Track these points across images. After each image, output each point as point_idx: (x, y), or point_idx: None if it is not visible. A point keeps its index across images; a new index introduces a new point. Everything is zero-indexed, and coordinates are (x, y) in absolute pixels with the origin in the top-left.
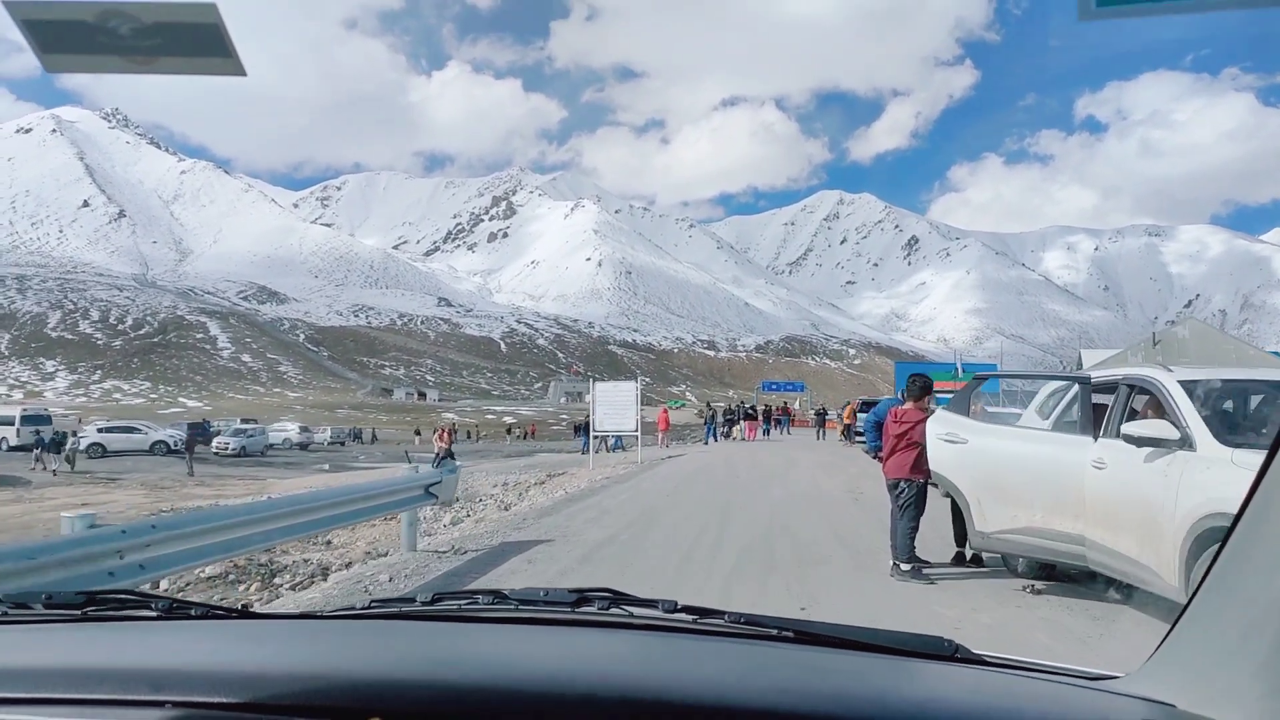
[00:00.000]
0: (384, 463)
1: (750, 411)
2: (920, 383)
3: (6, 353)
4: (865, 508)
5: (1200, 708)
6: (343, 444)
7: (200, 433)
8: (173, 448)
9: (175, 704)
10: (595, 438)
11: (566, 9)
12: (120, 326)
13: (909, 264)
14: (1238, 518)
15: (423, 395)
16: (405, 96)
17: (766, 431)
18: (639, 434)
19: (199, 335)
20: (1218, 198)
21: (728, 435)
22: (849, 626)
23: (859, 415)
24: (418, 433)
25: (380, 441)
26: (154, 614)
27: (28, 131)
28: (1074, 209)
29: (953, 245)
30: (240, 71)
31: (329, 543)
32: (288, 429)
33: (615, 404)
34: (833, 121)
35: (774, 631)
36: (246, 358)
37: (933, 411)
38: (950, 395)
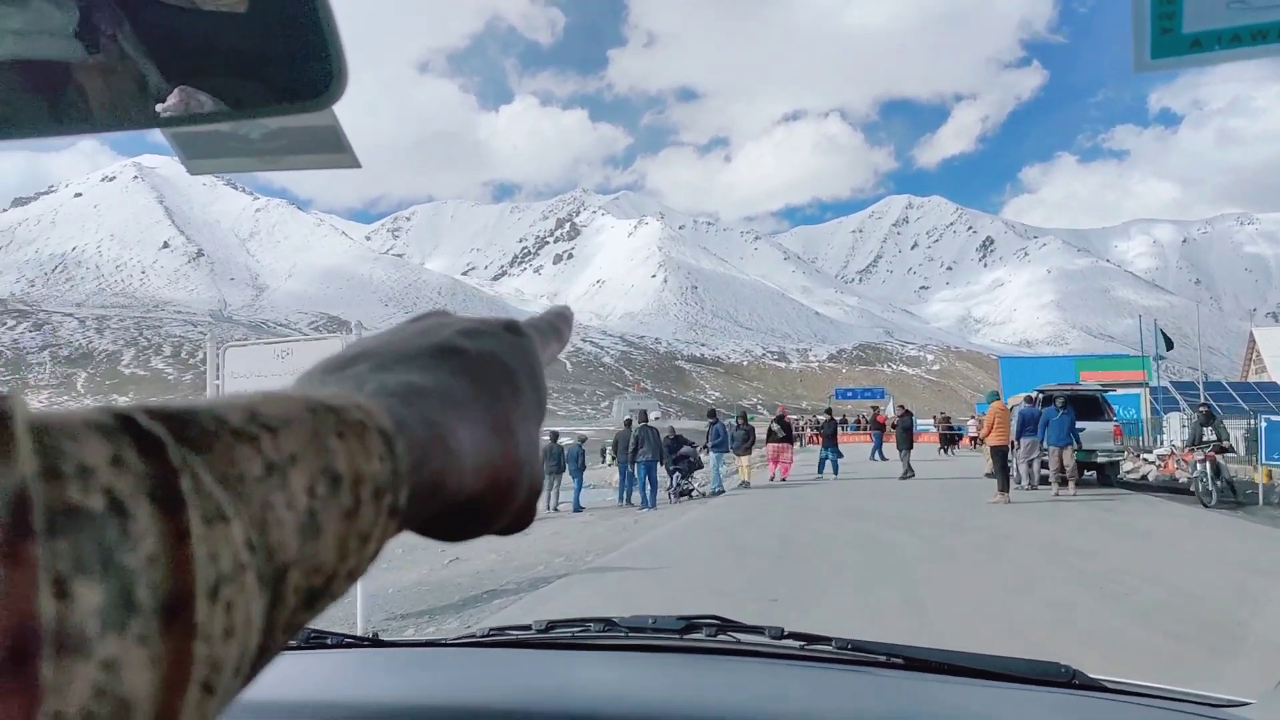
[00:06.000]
0: None
1: (779, 428)
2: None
3: (83, 390)
4: None
5: None
6: None
7: None
8: None
9: None
10: None
11: (624, 38)
12: (191, 360)
13: (985, 265)
14: None
15: None
16: (474, 132)
17: (881, 453)
18: None
19: None
20: None
21: (682, 491)
22: (960, 653)
23: (1023, 419)
24: None
25: None
26: (295, 643)
27: (111, 179)
28: (1154, 202)
29: (1031, 244)
30: (355, 164)
31: None
32: None
33: None
34: (897, 129)
35: (883, 658)
36: None
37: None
38: (1133, 389)
